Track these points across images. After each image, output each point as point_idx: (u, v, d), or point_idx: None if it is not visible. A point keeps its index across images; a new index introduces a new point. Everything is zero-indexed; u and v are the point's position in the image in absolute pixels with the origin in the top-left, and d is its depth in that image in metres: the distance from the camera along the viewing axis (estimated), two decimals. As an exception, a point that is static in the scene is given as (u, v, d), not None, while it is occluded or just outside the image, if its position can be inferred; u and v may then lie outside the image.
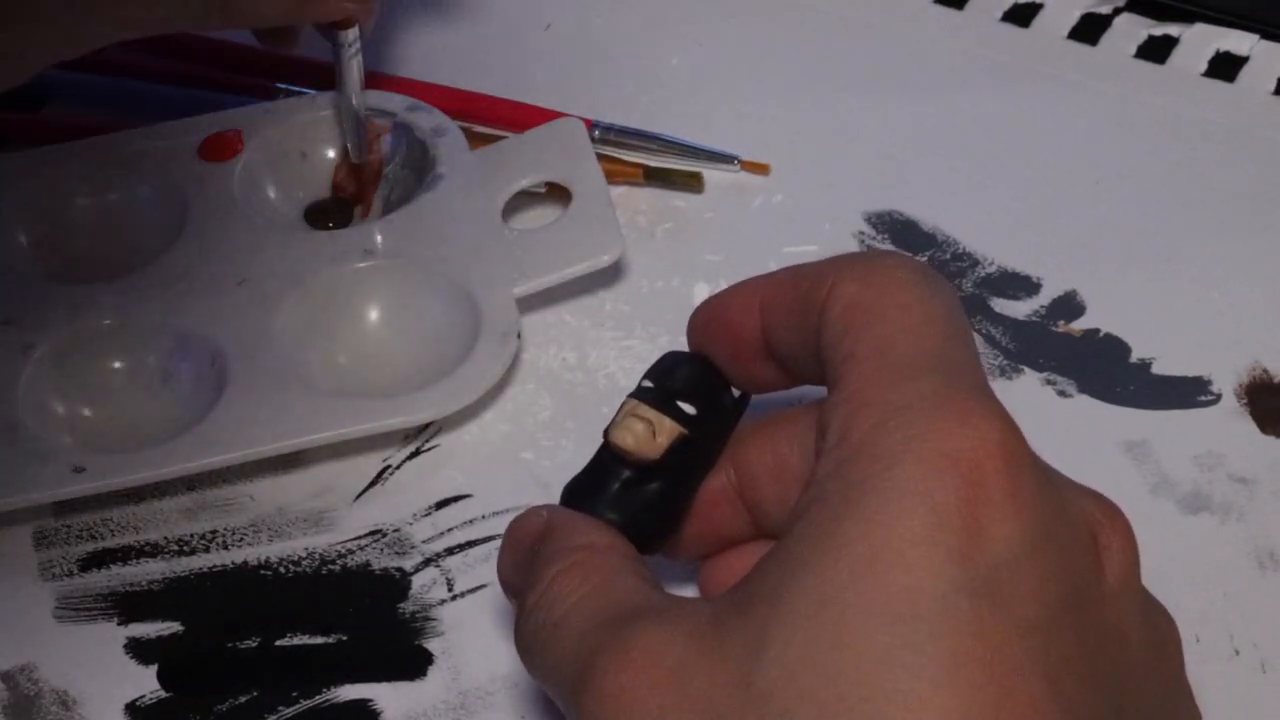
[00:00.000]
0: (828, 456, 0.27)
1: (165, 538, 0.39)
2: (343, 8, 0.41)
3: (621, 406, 0.33)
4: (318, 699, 0.36)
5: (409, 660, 0.37)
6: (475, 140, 0.47)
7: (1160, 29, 0.52)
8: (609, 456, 0.33)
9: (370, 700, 0.36)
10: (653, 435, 0.32)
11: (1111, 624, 0.27)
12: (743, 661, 0.25)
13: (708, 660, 0.26)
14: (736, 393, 0.34)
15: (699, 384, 0.33)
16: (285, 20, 0.43)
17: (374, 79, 0.49)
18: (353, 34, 0.43)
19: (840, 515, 0.26)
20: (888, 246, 0.45)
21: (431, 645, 0.37)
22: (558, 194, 0.46)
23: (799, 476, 0.30)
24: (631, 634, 0.27)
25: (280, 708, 0.36)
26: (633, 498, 0.32)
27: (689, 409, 0.32)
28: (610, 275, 0.44)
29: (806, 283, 0.30)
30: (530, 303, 0.43)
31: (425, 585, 0.38)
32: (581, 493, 0.33)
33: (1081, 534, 0.27)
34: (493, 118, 0.49)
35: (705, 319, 0.34)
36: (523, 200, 0.46)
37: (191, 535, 0.39)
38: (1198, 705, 0.30)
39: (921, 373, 0.27)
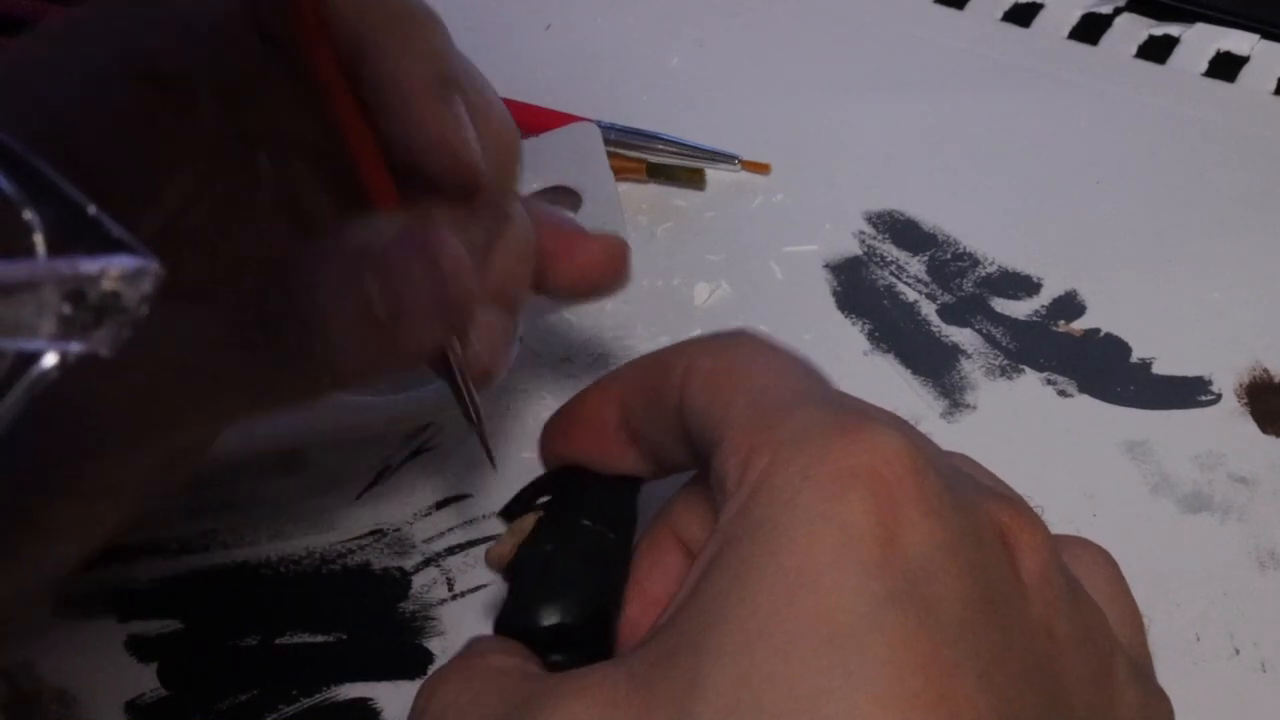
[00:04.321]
0: (729, 504, 0.27)
1: (165, 536, 0.39)
2: (429, 336, 0.30)
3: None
4: (318, 697, 0.36)
5: (409, 659, 0.37)
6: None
7: (1160, 29, 0.52)
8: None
9: (371, 699, 0.36)
10: (505, 549, 0.32)
11: (1036, 618, 0.27)
12: (675, 714, 0.25)
13: None
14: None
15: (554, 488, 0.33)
16: (372, 377, 0.34)
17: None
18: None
19: (752, 553, 0.25)
20: (888, 246, 0.45)
21: (432, 645, 0.37)
22: (566, 196, 0.46)
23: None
24: None
25: (280, 706, 0.36)
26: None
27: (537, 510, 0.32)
28: (611, 275, 0.44)
29: (659, 371, 0.30)
30: (531, 303, 0.43)
31: (425, 585, 0.38)
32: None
33: (987, 534, 0.27)
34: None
35: (562, 422, 0.33)
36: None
37: (191, 534, 0.39)
38: (1158, 683, 0.30)
39: (803, 406, 0.27)
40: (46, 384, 0.17)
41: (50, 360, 0.17)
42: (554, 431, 0.33)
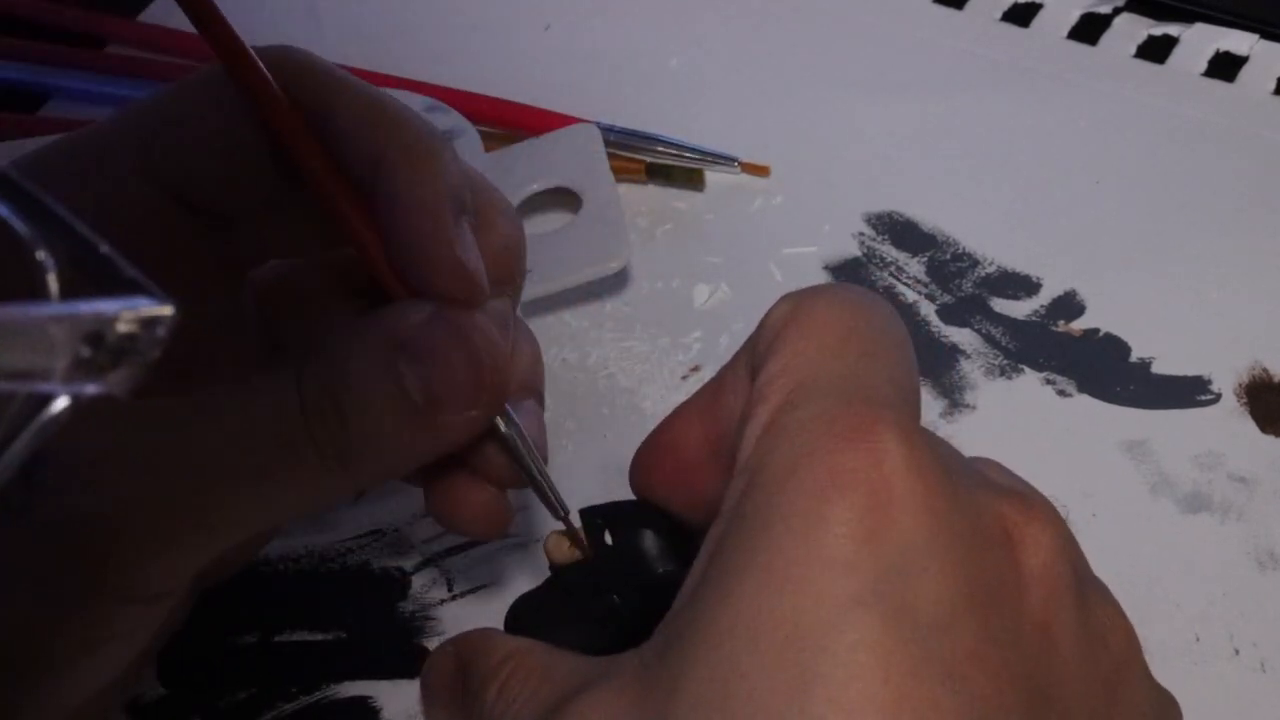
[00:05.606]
0: (734, 484, 0.27)
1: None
2: (468, 420, 0.31)
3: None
4: (317, 695, 0.36)
5: (408, 658, 0.37)
6: (490, 142, 0.47)
7: (1160, 29, 0.52)
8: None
9: (370, 697, 0.36)
10: (564, 547, 0.32)
11: (1033, 615, 0.26)
12: (662, 709, 0.25)
13: (634, 712, 0.26)
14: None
15: (637, 526, 0.31)
16: (417, 460, 0.32)
17: (390, 81, 0.49)
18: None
19: (736, 548, 0.26)
20: (887, 247, 0.45)
21: (431, 644, 0.37)
22: (567, 196, 0.46)
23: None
24: (568, 710, 0.27)
25: (280, 704, 0.36)
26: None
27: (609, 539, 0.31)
28: (611, 277, 0.44)
29: (746, 344, 0.29)
30: (532, 304, 0.43)
31: (425, 585, 0.38)
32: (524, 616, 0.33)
33: (991, 530, 0.27)
34: (508, 120, 0.49)
35: (644, 453, 0.32)
36: (535, 202, 0.46)
37: (191, 534, 0.39)
38: (1167, 690, 0.30)
39: (821, 394, 0.27)
40: (58, 427, 0.17)
41: (61, 404, 0.17)
42: (636, 466, 0.32)
